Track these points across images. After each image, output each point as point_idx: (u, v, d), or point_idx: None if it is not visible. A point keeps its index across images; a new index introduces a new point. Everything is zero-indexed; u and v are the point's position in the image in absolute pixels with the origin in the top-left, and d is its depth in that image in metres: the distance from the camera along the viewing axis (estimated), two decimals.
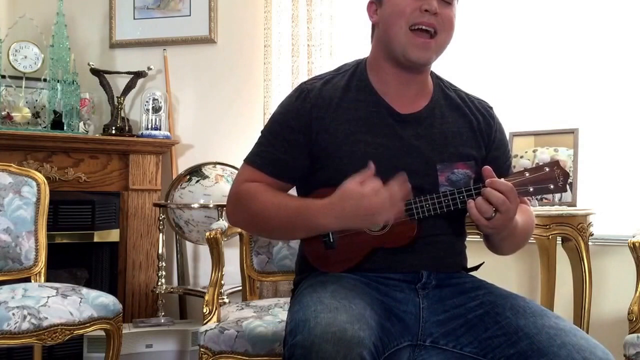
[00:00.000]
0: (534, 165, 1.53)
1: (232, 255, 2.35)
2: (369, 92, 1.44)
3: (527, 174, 1.33)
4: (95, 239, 2.90)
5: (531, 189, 1.33)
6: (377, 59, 1.45)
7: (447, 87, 1.51)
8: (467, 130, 1.45)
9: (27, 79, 2.91)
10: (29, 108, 2.88)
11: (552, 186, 1.33)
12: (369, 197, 1.23)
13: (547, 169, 1.33)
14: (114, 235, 2.94)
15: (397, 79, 1.43)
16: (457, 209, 1.33)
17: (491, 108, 1.53)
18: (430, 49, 1.37)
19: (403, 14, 1.35)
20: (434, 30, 1.36)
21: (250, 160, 1.45)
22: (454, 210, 1.33)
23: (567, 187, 1.38)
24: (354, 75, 1.47)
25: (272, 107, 2.82)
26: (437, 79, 1.51)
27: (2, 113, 2.81)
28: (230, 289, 2.70)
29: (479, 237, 1.44)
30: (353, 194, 1.24)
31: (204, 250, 2.92)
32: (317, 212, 1.30)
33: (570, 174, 2.41)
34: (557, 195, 2.44)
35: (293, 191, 1.51)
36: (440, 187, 1.37)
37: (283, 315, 1.86)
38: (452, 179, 1.39)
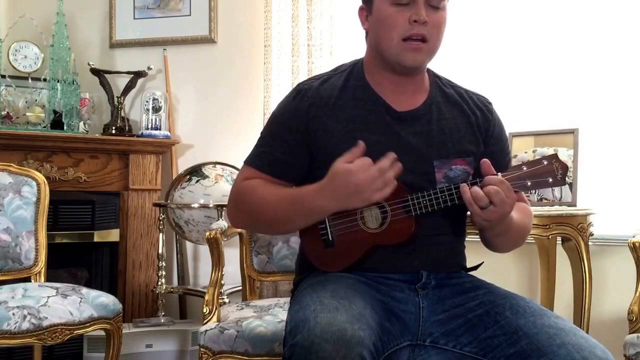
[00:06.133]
0: (531, 159, 1.49)
1: (232, 255, 2.35)
2: (366, 91, 1.44)
3: (524, 168, 1.30)
4: (95, 239, 2.90)
5: (529, 183, 1.29)
6: (372, 63, 1.46)
7: (444, 84, 1.51)
8: (465, 126, 1.45)
9: (27, 78, 2.91)
10: (28, 108, 2.88)
11: (550, 180, 1.28)
12: (357, 172, 1.23)
13: (546, 162, 1.29)
14: (114, 235, 2.94)
15: (393, 82, 1.44)
16: (454, 206, 1.32)
17: (490, 103, 1.53)
18: (422, 51, 1.38)
19: (392, 27, 1.36)
20: (424, 38, 1.36)
21: (249, 161, 1.47)
22: (451, 206, 1.33)
23: (567, 181, 1.33)
24: (351, 75, 1.47)
25: (272, 107, 2.82)
26: (434, 76, 1.52)
27: (2, 113, 2.81)
28: (230, 289, 2.70)
29: (479, 237, 1.44)
30: (341, 172, 1.25)
31: (204, 250, 2.92)
32: (311, 195, 1.31)
33: (570, 174, 2.40)
34: (557, 195, 2.43)
35: None
36: (437, 185, 1.37)
37: (283, 315, 1.86)
38: (450, 176, 1.39)
